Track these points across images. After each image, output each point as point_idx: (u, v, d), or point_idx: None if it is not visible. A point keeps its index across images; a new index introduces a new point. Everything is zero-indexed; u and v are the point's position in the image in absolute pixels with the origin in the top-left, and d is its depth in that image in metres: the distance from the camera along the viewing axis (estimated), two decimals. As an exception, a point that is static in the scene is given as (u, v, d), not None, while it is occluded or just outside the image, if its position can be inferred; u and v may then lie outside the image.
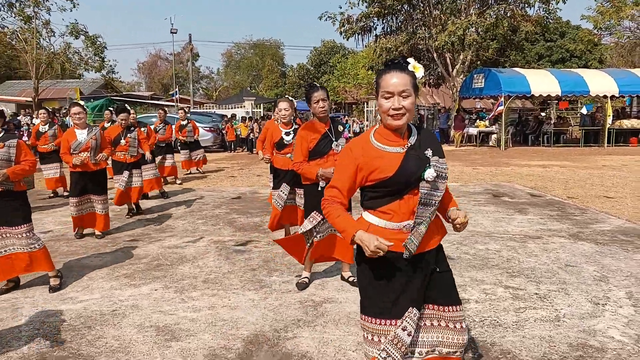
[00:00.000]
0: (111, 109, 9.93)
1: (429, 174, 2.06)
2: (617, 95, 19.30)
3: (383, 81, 2.07)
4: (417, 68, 2.08)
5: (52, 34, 23.59)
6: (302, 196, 4.57)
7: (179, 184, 10.46)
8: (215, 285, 4.38)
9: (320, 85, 4.07)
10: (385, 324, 2.16)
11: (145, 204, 8.26)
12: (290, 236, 4.40)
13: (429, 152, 2.11)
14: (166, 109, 12.23)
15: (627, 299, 3.94)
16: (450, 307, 2.22)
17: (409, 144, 2.12)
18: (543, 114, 25.06)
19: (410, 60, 2.09)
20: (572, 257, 5.06)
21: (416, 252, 2.13)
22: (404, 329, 2.15)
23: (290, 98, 5.46)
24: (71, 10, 23.18)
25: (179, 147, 11.64)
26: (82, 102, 6.09)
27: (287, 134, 5.22)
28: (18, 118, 20.08)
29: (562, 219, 6.74)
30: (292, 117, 5.33)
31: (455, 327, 2.23)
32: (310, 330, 3.45)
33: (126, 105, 7.48)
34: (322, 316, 3.69)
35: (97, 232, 6.05)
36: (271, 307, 3.88)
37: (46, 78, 25.25)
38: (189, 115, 11.98)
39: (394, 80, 2.04)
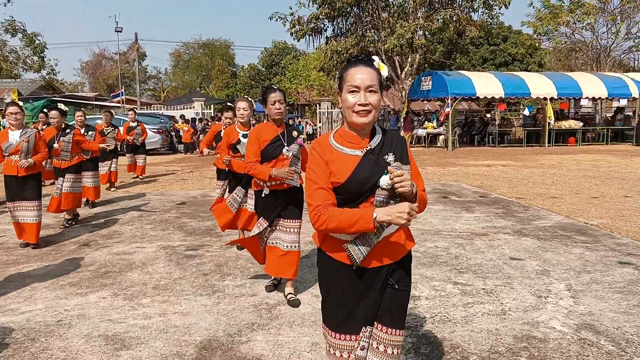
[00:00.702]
0: (45, 110, 9.43)
1: (384, 180, 1.90)
2: (555, 97, 20.29)
3: (348, 75, 1.94)
4: (382, 66, 1.99)
5: (-13, 31, 22.36)
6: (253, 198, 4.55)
7: (113, 190, 9.99)
8: (166, 291, 4.29)
9: (277, 87, 4.00)
10: (344, 339, 2.06)
11: (90, 210, 7.98)
12: (246, 238, 4.35)
13: (389, 157, 1.96)
14: (112, 111, 11.79)
15: (567, 291, 4.15)
16: (393, 330, 2.04)
17: (369, 147, 1.98)
18: (488, 115, 26.02)
19: (375, 58, 2.00)
20: (516, 252, 5.28)
21: (371, 265, 1.99)
22: (362, 349, 2.06)
23: (249, 98, 5.36)
24: (5, 6, 21.86)
25: (125, 150, 11.27)
26: (20, 103, 5.78)
27: (245, 136, 5.02)
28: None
29: (506, 216, 7.02)
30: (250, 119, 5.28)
31: (392, 352, 2.04)
32: (264, 333, 3.44)
33: (60, 105, 7.03)
34: (276, 319, 3.68)
35: (24, 243, 5.71)
36: (224, 311, 3.84)
37: (-20, 78, 23.91)
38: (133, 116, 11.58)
39: (361, 74, 1.92)
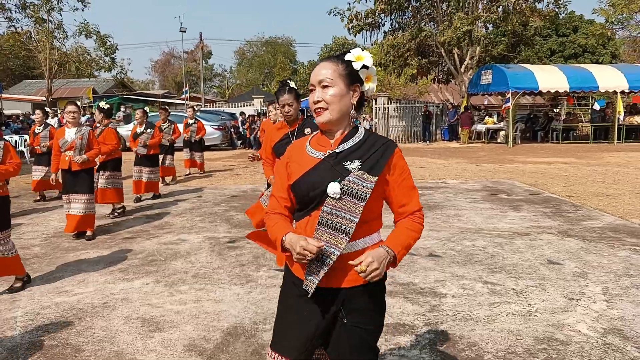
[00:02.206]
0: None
1: (332, 188, 1.71)
2: (626, 90, 19.10)
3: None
4: (360, 57, 1.79)
5: (65, 35, 24.08)
6: None
7: (174, 183, 10.51)
8: (204, 279, 4.55)
9: (290, 87, 3.85)
10: (273, 357, 1.87)
11: (146, 201, 8.49)
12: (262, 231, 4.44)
13: (353, 164, 1.74)
14: (167, 107, 12.29)
15: (601, 294, 4.02)
16: None
17: (334, 151, 1.79)
18: (555, 110, 24.90)
19: (355, 50, 1.82)
20: (556, 253, 5.13)
21: (321, 284, 1.74)
22: None
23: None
24: (83, 10, 23.51)
25: (182, 146, 11.80)
26: (78, 103, 6.26)
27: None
28: (31, 117, 20.52)
29: (554, 216, 6.79)
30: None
31: None
32: (288, 323, 3.60)
33: (101, 103, 7.44)
34: (301, 309, 3.83)
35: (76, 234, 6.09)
36: (254, 300, 4.04)
37: (60, 77, 25.77)
38: (197, 114, 12.10)
39: (317, 70, 1.80)
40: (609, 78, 18.85)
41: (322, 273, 1.72)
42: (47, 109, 9.65)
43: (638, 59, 29.25)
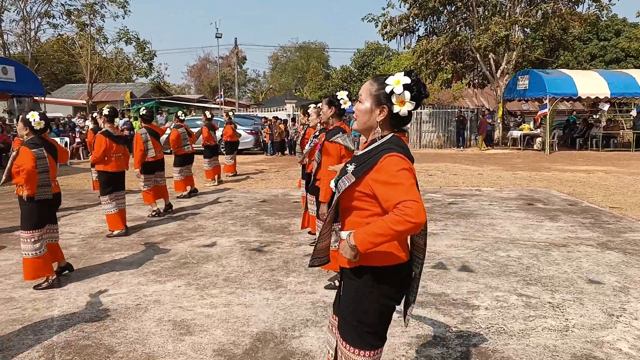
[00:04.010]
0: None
1: (331, 184, 2.13)
2: (672, 96, 18.35)
3: None
4: (397, 82, 1.99)
5: (105, 40, 24.86)
6: (314, 202, 4.78)
7: (217, 184, 10.80)
8: (235, 283, 4.59)
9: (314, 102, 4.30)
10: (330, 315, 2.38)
11: (180, 203, 8.64)
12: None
13: (351, 167, 2.04)
14: (209, 112, 12.48)
15: (644, 311, 3.85)
16: (339, 335, 2.15)
17: (357, 153, 2.15)
18: (596, 116, 24.12)
19: (398, 74, 2.01)
20: (595, 266, 4.95)
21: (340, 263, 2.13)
22: (329, 324, 2.36)
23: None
24: (124, 18, 24.33)
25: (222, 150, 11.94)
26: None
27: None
28: (73, 120, 21.22)
29: (593, 227, 6.56)
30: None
31: (341, 357, 2.16)
32: (316, 330, 3.58)
33: (142, 109, 7.79)
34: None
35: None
36: (283, 306, 4.04)
37: (100, 82, 26.58)
38: (231, 118, 12.28)
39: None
40: (653, 83, 18.15)
41: (322, 249, 2.25)
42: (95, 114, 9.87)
43: (685, 64, 28.06)
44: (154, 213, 7.57)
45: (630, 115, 20.13)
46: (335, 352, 2.29)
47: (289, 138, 20.27)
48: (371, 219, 2.00)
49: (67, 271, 4.85)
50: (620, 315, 3.78)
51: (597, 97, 18.82)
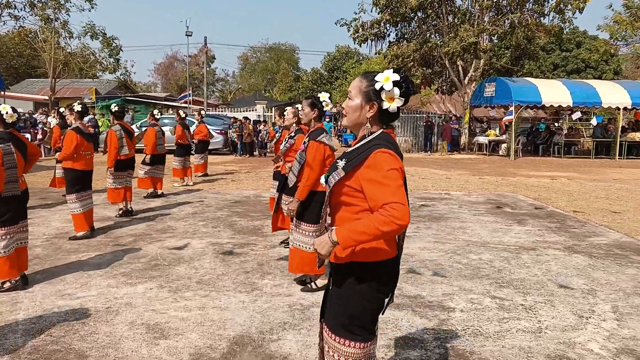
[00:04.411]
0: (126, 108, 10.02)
1: (321, 179, 2.16)
2: (629, 107, 19.13)
3: None
4: (385, 79, 2.02)
5: (71, 34, 24.08)
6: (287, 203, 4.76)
7: (191, 184, 10.65)
8: (208, 286, 4.50)
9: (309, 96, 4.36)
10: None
11: (148, 204, 8.44)
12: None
13: (341, 162, 2.06)
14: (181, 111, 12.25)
15: (612, 313, 3.97)
16: (327, 330, 2.16)
17: (347, 149, 2.14)
18: (556, 124, 24.90)
19: (387, 72, 2.05)
20: (563, 269, 5.09)
21: (329, 259, 2.13)
22: (320, 335, 2.32)
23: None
24: (89, 11, 23.65)
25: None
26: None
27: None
28: (34, 116, 20.49)
29: (559, 231, 6.75)
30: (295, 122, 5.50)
31: (332, 355, 2.15)
32: (294, 333, 3.54)
33: (113, 105, 7.57)
34: (308, 320, 3.78)
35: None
36: (260, 309, 3.98)
37: (63, 77, 25.75)
38: (203, 117, 12.11)
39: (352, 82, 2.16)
40: (612, 94, 18.89)
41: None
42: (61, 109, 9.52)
43: (640, 76, 29.35)
44: (121, 212, 7.37)
45: (590, 124, 20.88)
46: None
47: (259, 139, 20.14)
48: (361, 215, 2.03)
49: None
50: (590, 317, 3.89)
51: (560, 106, 19.43)
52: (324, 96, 4.51)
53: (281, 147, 5.45)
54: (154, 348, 3.31)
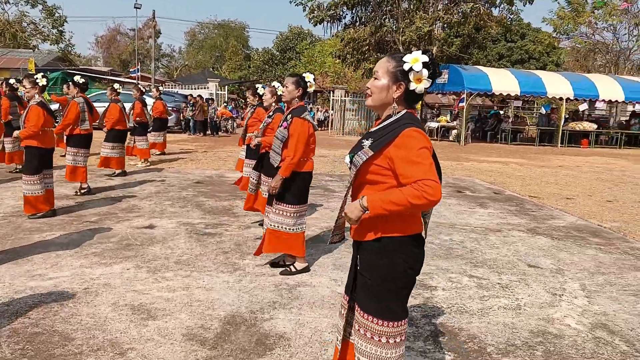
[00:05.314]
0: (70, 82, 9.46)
1: (346, 159, 2.16)
2: (572, 98, 20.16)
3: None
4: (414, 60, 2.03)
5: (7, 0, 22.40)
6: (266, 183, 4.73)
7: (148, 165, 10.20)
8: (188, 266, 4.39)
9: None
10: (342, 296, 2.37)
11: (107, 182, 8.10)
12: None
13: (367, 142, 2.06)
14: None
15: (581, 291, 4.22)
16: (360, 311, 2.13)
17: (368, 131, 2.16)
18: (501, 112, 25.90)
19: (415, 53, 2.06)
20: (530, 250, 5.34)
21: (352, 235, 2.19)
22: (340, 313, 2.34)
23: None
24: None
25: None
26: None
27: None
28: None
29: (520, 214, 7.07)
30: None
31: (367, 335, 2.11)
32: (286, 312, 3.53)
33: (76, 77, 7.15)
34: (296, 299, 3.77)
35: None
36: (246, 289, 3.93)
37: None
38: (161, 93, 11.65)
39: (377, 62, 2.15)
40: (556, 85, 19.83)
41: (339, 225, 2.26)
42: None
43: (579, 69, 30.95)
44: (84, 191, 7.01)
45: (534, 113, 21.86)
46: (344, 337, 2.27)
47: (213, 118, 19.70)
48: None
49: None
50: (562, 295, 4.11)
51: (508, 94, 20.18)
52: (308, 76, 4.45)
53: (260, 126, 5.36)
54: (144, 329, 3.20)
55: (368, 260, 2.11)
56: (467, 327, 3.44)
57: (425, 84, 2.05)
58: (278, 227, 4.19)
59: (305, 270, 4.34)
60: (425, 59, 2.02)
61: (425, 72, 2.02)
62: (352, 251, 2.26)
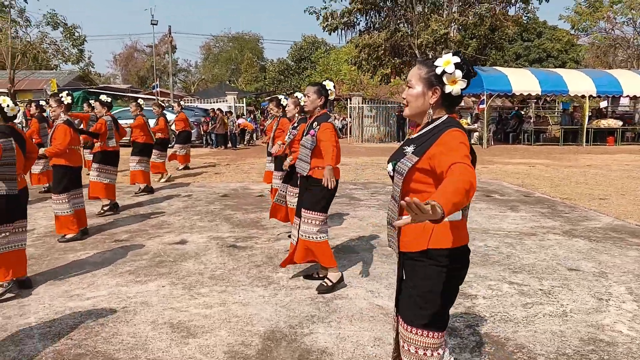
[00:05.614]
0: (91, 101, 9.66)
1: (388, 168, 2.13)
2: (594, 95, 19.78)
3: None
4: (446, 62, 2.01)
5: (29, 23, 22.97)
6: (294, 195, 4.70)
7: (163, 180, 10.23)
8: (223, 281, 4.36)
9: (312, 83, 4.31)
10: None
11: (135, 199, 8.17)
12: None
13: (409, 148, 2.05)
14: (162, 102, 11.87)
15: (628, 295, 4.07)
16: (402, 322, 2.12)
17: (408, 138, 2.15)
18: (522, 112, 25.55)
19: (446, 55, 2.05)
20: (569, 253, 5.19)
21: (400, 249, 2.13)
22: (394, 327, 2.30)
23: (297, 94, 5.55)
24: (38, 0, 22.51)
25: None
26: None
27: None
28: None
29: (553, 217, 6.90)
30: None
31: (408, 349, 2.10)
32: (325, 326, 3.47)
33: (102, 96, 7.26)
34: (334, 312, 3.71)
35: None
36: (282, 303, 3.89)
37: (22, 69, 24.57)
38: (182, 107, 11.78)
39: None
40: (578, 83, 19.46)
41: (391, 236, 2.18)
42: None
43: (600, 65, 30.41)
44: (107, 208, 7.06)
45: (555, 111, 21.49)
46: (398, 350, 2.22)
47: (232, 131, 19.83)
48: None
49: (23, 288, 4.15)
50: (609, 299, 3.97)
51: (529, 94, 19.89)
52: (329, 84, 4.41)
53: (285, 138, 5.33)
54: (185, 347, 3.17)
55: (414, 272, 2.08)
56: (514, 336, 3.34)
57: (461, 84, 2.03)
58: (308, 237, 4.11)
59: (340, 281, 4.23)
60: (457, 59, 2.01)
61: (458, 73, 2.01)
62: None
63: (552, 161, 14.37)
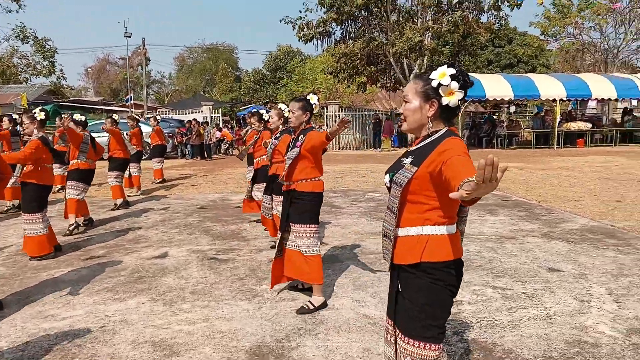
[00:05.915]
0: (64, 115, 9.40)
1: (385, 178, 2.14)
2: (565, 98, 20.25)
3: None
4: (441, 75, 2.01)
5: (-4, 37, 22.41)
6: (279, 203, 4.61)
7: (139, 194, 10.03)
8: (205, 296, 4.27)
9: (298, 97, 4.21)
10: (385, 320, 2.29)
11: (111, 213, 7.98)
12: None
13: (407, 160, 2.06)
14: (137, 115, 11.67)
15: (608, 295, 4.12)
16: (402, 335, 2.10)
17: (407, 150, 2.15)
18: (495, 117, 26.00)
19: (441, 68, 2.02)
20: (549, 255, 5.25)
21: (392, 259, 2.11)
22: (385, 339, 2.26)
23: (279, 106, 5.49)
24: (17, 12, 21.97)
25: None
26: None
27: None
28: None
29: (531, 220, 6.99)
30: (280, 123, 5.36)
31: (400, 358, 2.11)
32: (312, 339, 3.41)
33: (76, 115, 7.04)
34: (321, 324, 3.66)
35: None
36: (267, 316, 3.81)
37: (-10, 83, 23.96)
38: (159, 121, 11.61)
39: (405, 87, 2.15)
40: (549, 87, 19.91)
41: (385, 247, 2.14)
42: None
43: (569, 69, 31.19)
44: (72, 228, 6.72)
45: (526, 115, 21.93)
46: None
47: (208, 142, 19.65)
48: (428, 214, 2.02)
49: None
50: (590, 300, 4.01)
51: (502, 99, 20.25)
52: (313, 98, 4.36)
53: (267, 148, 5.28)
54: (168, 367, 3.07)
55: (409, 284, 2.07)
56: (501, 341, 3.33)
57: (458, 95, 2.01)
58: (303, 250, 3.98)
59: (323, 305, 4.01)
60: (452, 71, 2.00)
61: (455, 85, 1.99)
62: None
63: (525, 164, 14.62)
